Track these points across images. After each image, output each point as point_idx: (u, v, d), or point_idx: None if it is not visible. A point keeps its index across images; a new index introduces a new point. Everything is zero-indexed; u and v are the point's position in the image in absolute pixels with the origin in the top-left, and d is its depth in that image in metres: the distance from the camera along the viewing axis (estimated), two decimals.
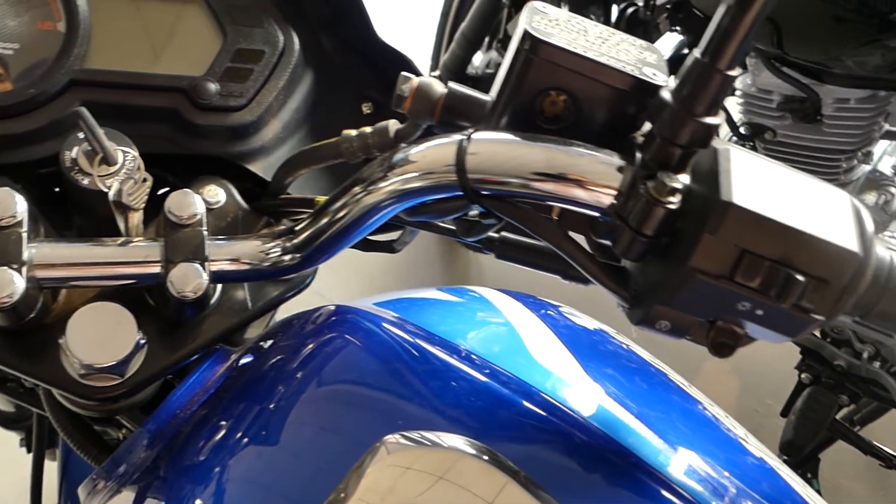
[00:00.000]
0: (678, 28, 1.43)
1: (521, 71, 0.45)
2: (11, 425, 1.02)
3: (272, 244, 0.54)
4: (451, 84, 0.47)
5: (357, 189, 0.49)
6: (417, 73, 0.66)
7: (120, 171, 0.54)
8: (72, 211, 0.60)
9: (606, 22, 1.53)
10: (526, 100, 0.46)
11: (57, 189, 0.62)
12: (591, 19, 1.57)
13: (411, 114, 0.47)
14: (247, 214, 0.62)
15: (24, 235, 0.49)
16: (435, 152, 0.46)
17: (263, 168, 0.65)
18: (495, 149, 0.45)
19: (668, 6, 1.43)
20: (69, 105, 0.58)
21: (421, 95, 0.46)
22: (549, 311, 0.65)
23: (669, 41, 1.48)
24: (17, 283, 0.48)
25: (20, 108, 0.56)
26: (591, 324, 0.67)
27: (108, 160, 0.52)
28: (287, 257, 0.54)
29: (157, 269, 0.53)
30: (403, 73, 0.46)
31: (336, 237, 0.52)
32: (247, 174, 0.65)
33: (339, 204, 0.50)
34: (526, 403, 0.50)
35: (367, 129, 0.50)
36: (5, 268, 0.48)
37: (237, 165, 0.64)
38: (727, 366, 2.19)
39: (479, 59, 1.73)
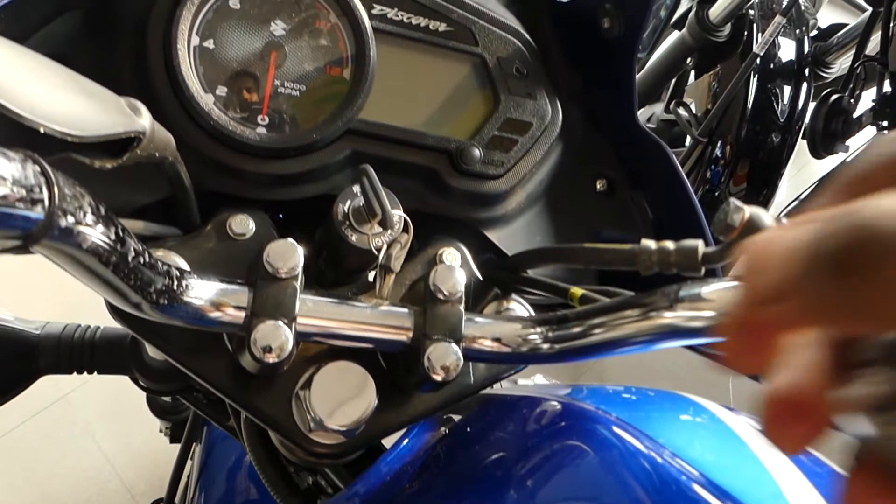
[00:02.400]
0: (883, 124, 1.35)
1: None
2: (164, 415, 1.05)
3: (533, 331, 0.52)
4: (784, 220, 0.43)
5: (634, 312, 0.46)
6: (672, 164, 0.63)
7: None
8: (316, 251, 0.60)
9: (795, 100, 1.47)
10: None
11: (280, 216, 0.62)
12: (777, 93, 1.48)
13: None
14: (477, 282, 0.61)
15: (299, 290, 0.49)
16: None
17: (500, 236, 0.64)
18: None
19: (874, 100, 1.36)
20: (340, 151, 0.57)
21: (751, 229, 0.43)
22: None
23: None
24: (289, 339, 0.47)
25: (299, 150, 0.55)
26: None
27: (385, 224, 0.51)
28: (545, 346, 0.51)
29: (407, 337, 0.52)
30: (734, 200, 0.43)
31: (598, 347, 0.49)
32: (482, 240, 0.63)
33: (610, 318, 0.48)
34: None
35: (670, 245, 0.47)
36: (279, 323, 0.47)
37: (475, 230, 0.63)
38: None
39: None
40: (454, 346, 0.51)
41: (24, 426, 1.94)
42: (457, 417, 0.69)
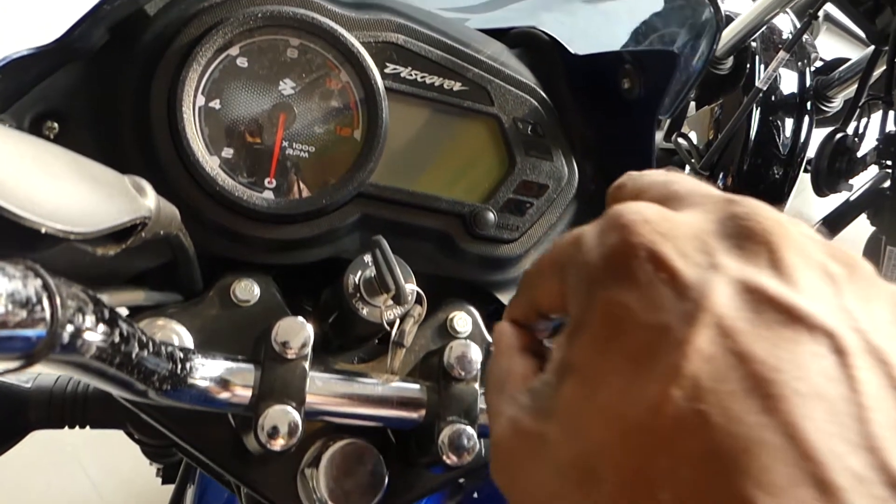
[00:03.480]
0: (888, 163, 1.35)
1: None
2: (157, 458, 1.02)
3: None
4: None
5: None
6: None
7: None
8: (322, 314, 0.58)
9: (797, 133, 1.46)
10: None
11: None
12: (778, 126, 1.47)
13: None
14: (489, 350, 0.58)
15: (308, 370, 0.47)
16: None
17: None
18: None
19: (878, 139, 1.35)
20: (349, 215, 0.55)
21: None
22: None
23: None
24: (298, 424, 0.45)
25: (308, 216, 0.53)
26: None
27: (399, 300, 0.49)
28: None
29: (419, 415, 0.50)
30: None
31: None
32: (495, 304, 0.61)
33: None
34: None
35: None
36: (288, 408, 0.45)
37: (488, 294, 0.61)
38: None
39: None
40: (469, 429, 0.48)
41: (9, 452, 1.90)
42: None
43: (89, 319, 0.31)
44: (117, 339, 0.34)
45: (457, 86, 0.58)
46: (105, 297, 0.47)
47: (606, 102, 0.61)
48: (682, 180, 0.29)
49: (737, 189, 1.51)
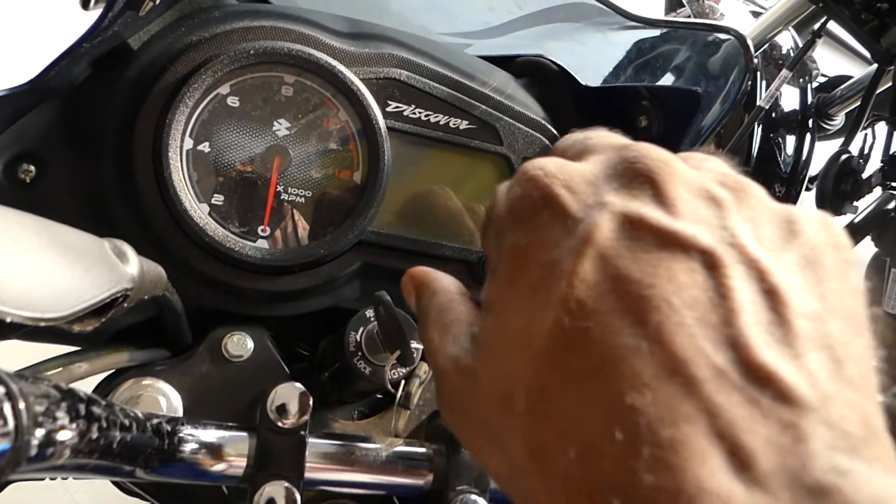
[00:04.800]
0: (893, 185, 1.32)
1: None
2: None
3: None
4: None
5: None
6: None
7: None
8: (319, 364, 0.54)
9: (799, 151, 1.43)
10: None
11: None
12: (780, 143, 1.44)
13: None
14: None
15: (307, 439, 0.43)
16: None
17: None
18: None
19: (882, 160, 1.33)
20: (349, 264, 0.52)
21: None
22: None
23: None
24: (297, 500, 0.41)
25: (304, 266, 0.49)
26: None
27: (405, 361, 0.45)
28: None
29: (426, 482, 0.46)
30: None
31: None
32: None
33: None
34: None
35: None
36: (286, 483, 0.41)
37: None
38: None
39: None
40: (481, 500, 0.45)
41: None
42: None
43: (61, 419, 0.28)
44: (95, 435, 0.30)
45: (463, 124, 0.54)
46: (85, 365, 0.43)
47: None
48: (598, 136, 0.31)
49: None
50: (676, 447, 0.22)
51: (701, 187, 0.27)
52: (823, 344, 0.24)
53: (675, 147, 0.53)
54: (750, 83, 0.47)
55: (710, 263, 0.25)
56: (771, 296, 0.24)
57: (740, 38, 0.47)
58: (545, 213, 0.28)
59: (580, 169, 0.29)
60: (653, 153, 0.28)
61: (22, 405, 0.25)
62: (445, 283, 0.35)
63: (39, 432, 0.26)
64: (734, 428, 0.22)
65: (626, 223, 0.26)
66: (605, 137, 0.31)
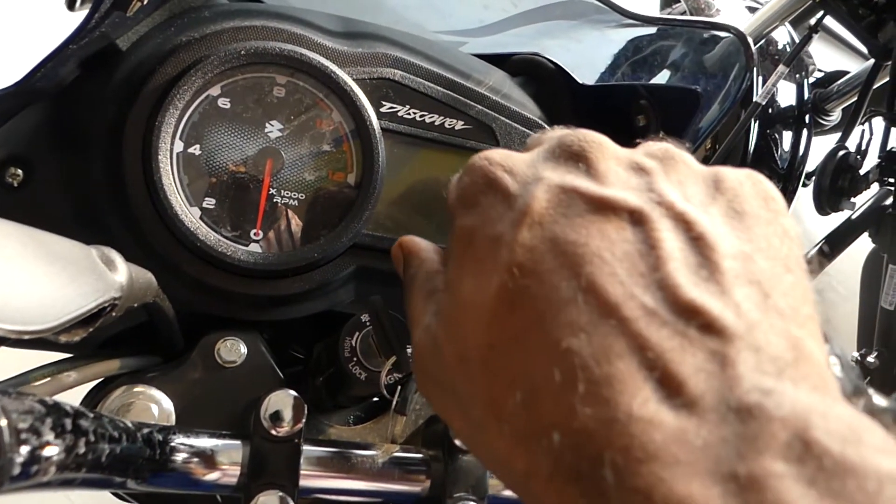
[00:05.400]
0: (890, 181, 1.31)
1: None
2: None
3: None
4: (873, 394, 0.37)
5: None
6: None
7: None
8: (314, 368, 0.53)
9: (795, 147, 1.43)
10: None
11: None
12: (776, 139, 1.43)
13: None
14: None
15: (301, 447, 0.42)
16: None
17: None
18: None
19: (880, 156, 1.32)
20: (343, 268, 0.51)
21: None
22: None
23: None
24: None
25: (298, 270, 0.49)
26: None
27: (401, 368, 0.44)
28: None
29: (423, 489, 0.46)
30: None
31: None
32: None
33: None
34: None
35: None
36: (281, 493, 0.41)
37: None
38: None
39: None
40: None
41: None
42: None
43: (46, 435, 0.27)
44: (82, 449, 0.29)
45: (459, 124, 0.53)
46: (74, 374, 0.43)
47: (617, 137, 0.57)
48: (551, 131, 0.33)
49: None
50: (610, 381, 0.23)
51: (630, 160, 0.31)
52: (751, 280, 0.26)
53: None
54: (749, 82, 0.46)
55: (639, 220, 0.27)
56: (698, 242, 0.27)
57: (741, 36, 0.47)
58: (489, 195, 0.31)
59: (522, 156, 0.32)
60: (588, 136, 0.31)
61: (3, 422, 0.24)
62: (433, 253, 0.37)
63: (24, 449, 0.26)
64: (664, 359, 0.24)
65: (561, 192, 0.29)
66: (555, 131, 0.34)
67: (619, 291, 0.25)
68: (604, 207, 0.28)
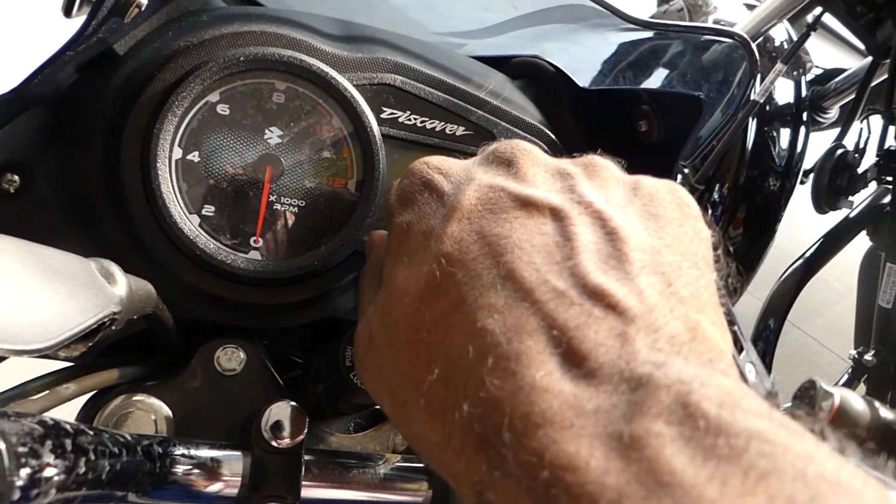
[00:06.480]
0: (888, 179, 1.31)
1: None
2: None
3: None
4: (880, 407, 0.37)
5: None
6: None
7: None
8: (314, 376, 0.53)
9: (793, 144, 1.43)
10: None
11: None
12: (774, 137, 1.43)
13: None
14: None
15: (303, 459, 0.42)
16: None
17: None
18: None
19: (878, 154, 1.32)
20: (344, 276, 0.50)
21: (843, 417, 0.37)
22: None
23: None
24: None
25: (298, 278, 0.48)
26: None
27: None
28: None
29: (425, 498, 0.45)
30: (820, 383, 0.37)
31: None
32: None
33: None
34: None
35: None
36: None
37: None
38: None
39: None
40: None
41: None
42: None
43: (46, 457, 0.27)
44: (83, 469, 0.29)
45: (460, 130, 0.53)
46: (73, 386, 0.42)
47: (619, 143, 0.57)
48: (500, 144, 0.37)
49: (734, 202, 1.47)
50: (518, 356, 0.26)
51: (556, 167, 0.34)
52: (656, 271, 0.29)
53: (675, 153, 0.52)
54: (752, 88, 0.46)
55: (559, 216, 0.30)
56: (611, 236, 0.30)
57: (745, 42, 0.46)
58: (425, 194, 0.34)
59: (459, 162, 0.36)
60: (519, 145, 0.35)
61: (2, 446, 0.24)
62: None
63: (24, 472, 0.25)
64: (569, 335, 0.26)
65: (490, 191, 0.32)
66: (493, 143, 0.37)
67: (534, 277, 0.28)
68: (527, 205, 0.31)
